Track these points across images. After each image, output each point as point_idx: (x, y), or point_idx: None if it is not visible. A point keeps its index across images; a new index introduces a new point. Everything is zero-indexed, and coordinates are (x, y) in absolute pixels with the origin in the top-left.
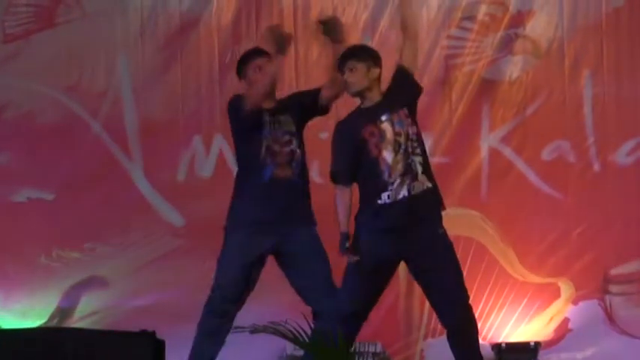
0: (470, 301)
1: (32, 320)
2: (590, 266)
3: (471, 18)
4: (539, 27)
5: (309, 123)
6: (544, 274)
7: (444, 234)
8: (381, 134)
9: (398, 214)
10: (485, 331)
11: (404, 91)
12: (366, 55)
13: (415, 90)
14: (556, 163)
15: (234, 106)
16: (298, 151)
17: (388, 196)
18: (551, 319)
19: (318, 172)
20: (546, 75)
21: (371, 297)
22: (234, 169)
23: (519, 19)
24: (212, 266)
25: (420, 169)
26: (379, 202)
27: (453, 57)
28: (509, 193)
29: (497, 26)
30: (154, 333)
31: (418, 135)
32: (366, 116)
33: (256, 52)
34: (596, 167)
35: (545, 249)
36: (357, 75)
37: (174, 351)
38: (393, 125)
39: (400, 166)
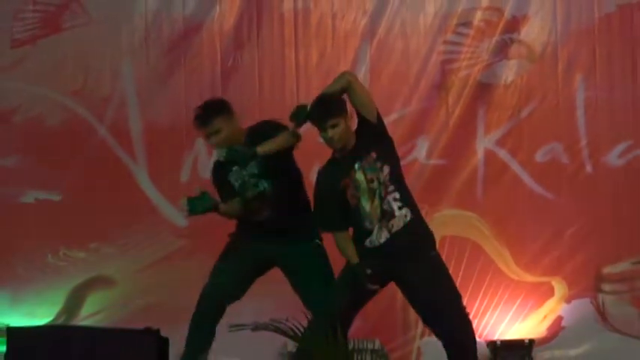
0: (469, 318)
1: (40, 318)
2: (582, 265)
3: (466, 24)
4: (534, 32)
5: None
6: (538, 274)
7: (437, 256)
8: (356, 185)
9: (384, 256)
10: (480, 328)
11: (367, 136)
12: (341, 108)
13: (374, 130)
14: (550, 164)
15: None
16: (268, 188)
17: (370, 242)
18: (544, 317)
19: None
20: (540, 79)
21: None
22: None
23: (514, 25)
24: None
25: (396, 205)
26: (365, 244)
27: (450, 62)
28: (504, 194)
29: (493, 31)
30: (158, 330)
31: (392, 172)
32: (341, 167)
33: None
34: (589, 169)
35: (539, 249)
36: (339, 130)
37: (178, 348)
38: (365, 173)
39: (378, 212)
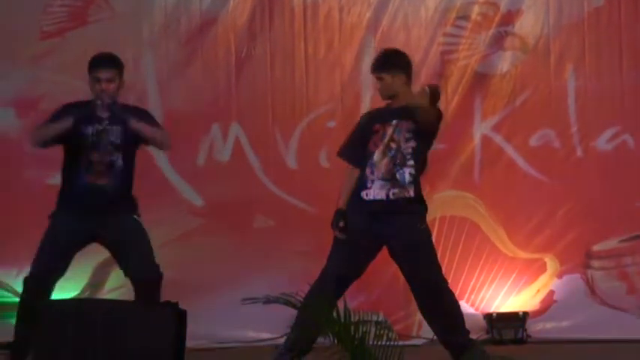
0: (448, 286)
1: (67, 292)
2: (573, 243)
3: (465, 17)
4: (527, 25)
5: (317, 112)
6: (531, 251)
7: (426, 230)
8: (384, 134)
9: (376, 210)
10: (477, 302)
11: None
12: (389, 64)
13: (428, 116)
14: (542, 149)
15: None
16: (120, 162)
17: (367, 194)
18: (537, 291)
19: (325, 158)
20: (533, 69)
21: (351, 267)
22: (249, 154)
23: (509, 18)
24: (230, 242)
25: (407, 179)
26: (361, 195)
27: (449, 53)
28: (499, 176)
29: (489, 24)
30: (176, 304)
31: (417, 151)
32: (385, 114)
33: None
34: (579, 153)
35: (532, 227)
36: (384, 83)
37: (195, 320)
38: (394, 131)
39: (383, 170)
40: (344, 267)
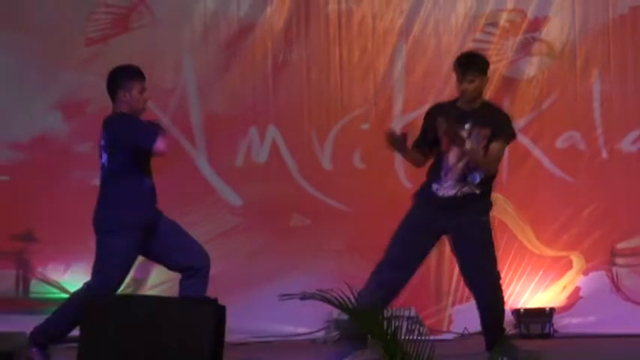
0: (500, 282)
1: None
2: (598, 241)
3: (493, 24)
4: (554, 31)
5: (352, 115)
6: (558, 249)
7: (488, 222)
8: (453, 137)
9: (444, 204)
10: (506, 298)
11: (497, 120)
12: (483, 68)
13: (505, 126)
14: (568, 151)
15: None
16: (106, 165)
17: (437, 189)
18: (564, 287)
19: (359, 159)
20: (560, 74)
21: (409, 255)
22: (285, 156)
23: (536, 25)
24: (267, 240)
25: (477, 181)
26: (432, 189)
27: None
28: (527, 177)
29: (517, 31)
30: (216, 300)
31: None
32: (453, 112)
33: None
34: (604, 154)
35: (558, 226)
36: (475, 85)
37: (234, 315)
38: (469, 136)
39: (458, 172)
40: (402, 251)
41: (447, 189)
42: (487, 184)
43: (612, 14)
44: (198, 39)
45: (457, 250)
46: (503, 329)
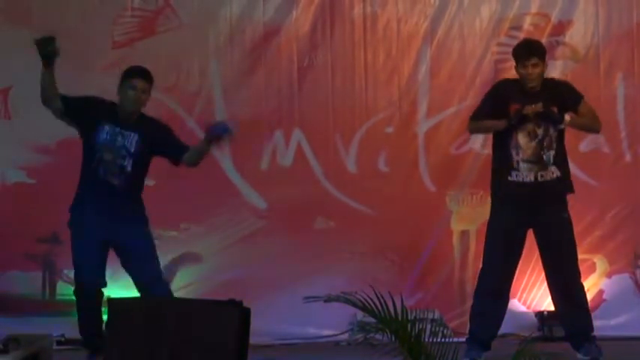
0: (582, 280)
1: (136, 291)
2: (622, 244)
3: (517, 27)
4: (578, 35)
5: (376, 118)
6: (581, 252)
7: (568, 219)
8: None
9: (526, 192)
10: (529, 300)
11: (566, 99)
12: (544, 55)
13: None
14: (592, 154)
15: None
16: (130, 169)
17: (516, 175)
18: (587, 290)
19: (384, 162)
20: (584, 77)
21: (504, 262)
22: (310, 159)
23: (560, 28)
24: (292, 242)
25: (552, 160)
26: (509, 178)
27: (502, 62)
28: None
29: (541, 34)
30: (241, 302)
31: (558, 137)
32: (522, 95)
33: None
34: (628, 158)
35: (582, 229)
36: (540, 70)
37: (258, 317)
38: (538, 116)
39: (530, 153)
40: (503, 261)
41: (524, 172)
42: (564, 163)
43: (636, 18)
44: (224, 43)
45: (541, 246)
46: (592, 328)
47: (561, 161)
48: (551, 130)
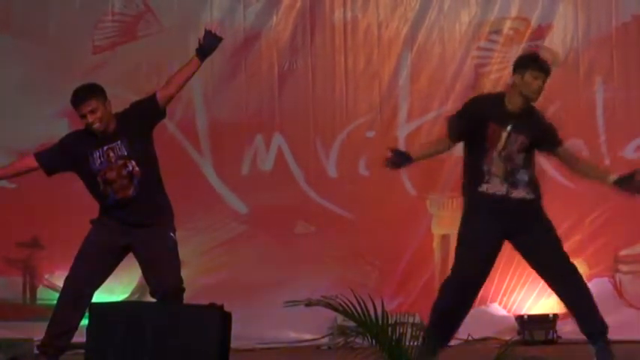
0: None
1: (117, 295)
2: (601, 248)
3: (497, 32)
4: (557, 39)
5: (357, 123)
6: None
7: (547, 218)
8: (499, 138)
9: (496, 200)
10: (510, 304)
11: (542, 132)
12: (548, 70)
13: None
14: None
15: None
16: (137, 168)
17: (487, 188)
18: None
19: (364, 167)
20: (563, 81)
21: (478, 265)
22: (291, 163)
23: (540, 33)
24: (272, 247)
25: (525, 180)
26: (479, 189)
27: (482, 66)
28: None
29: (521, 39)
30: (222, 306)
31: (531, 158)
32: (500, 114)
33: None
34: (607, 162)
35: (562, 233)
36: (538, 84)
37: (239, 321)
38: (508, 138)
39: (501, 171)
40: (473, 268)
41: (495, 187)
42: (538, 188)
43: (615, 22)
44: None
45: (526, 253)
46: (603, 321)
47: (534, 183)
48: (519, 156)
